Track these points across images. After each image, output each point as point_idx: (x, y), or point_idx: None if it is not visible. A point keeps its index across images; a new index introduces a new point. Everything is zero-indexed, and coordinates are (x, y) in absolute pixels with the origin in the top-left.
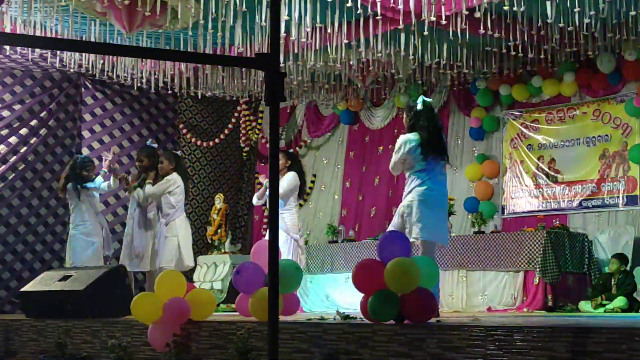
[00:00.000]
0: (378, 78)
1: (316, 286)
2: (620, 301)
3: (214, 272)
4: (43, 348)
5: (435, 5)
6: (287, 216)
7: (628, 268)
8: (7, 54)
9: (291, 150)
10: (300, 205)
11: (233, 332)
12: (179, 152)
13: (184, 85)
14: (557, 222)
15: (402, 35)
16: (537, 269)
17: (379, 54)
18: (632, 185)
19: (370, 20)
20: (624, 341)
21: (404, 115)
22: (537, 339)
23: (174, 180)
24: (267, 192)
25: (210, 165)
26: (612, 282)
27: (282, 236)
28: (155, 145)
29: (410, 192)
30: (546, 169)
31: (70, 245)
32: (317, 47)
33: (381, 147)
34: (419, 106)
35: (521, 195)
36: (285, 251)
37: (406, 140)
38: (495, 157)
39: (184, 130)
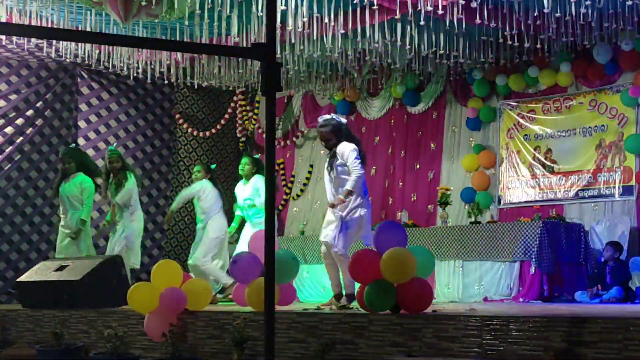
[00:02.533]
0: (374, 68)
1: (312, 276)
2: (616, 291)
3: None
4: (39, 338)
5: None
6: None
7: (624, 258)
8: (3, 43)
9: (257, 156)
10: (298, 195)
11: (229, 322)
12: (213, 166)
13: (180, 75)
14: (554, 213)
15: (399, 25)
16: (533, 259)
17: (376, 44)
18: (628, 176)
19: (367, 10)
20: (620, 331)
21: (328, 131)
22: (533, 328)
23: (203, 188)
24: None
25: (206, 155)
26: (606, 270)
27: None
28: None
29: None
30: (542, 159)
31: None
32: (314, 37)
33: (377, 138)
34: (344, 120)
35: (517, 186)
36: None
37: (354, 148)
38: (492, 148)
39: (180, 121)
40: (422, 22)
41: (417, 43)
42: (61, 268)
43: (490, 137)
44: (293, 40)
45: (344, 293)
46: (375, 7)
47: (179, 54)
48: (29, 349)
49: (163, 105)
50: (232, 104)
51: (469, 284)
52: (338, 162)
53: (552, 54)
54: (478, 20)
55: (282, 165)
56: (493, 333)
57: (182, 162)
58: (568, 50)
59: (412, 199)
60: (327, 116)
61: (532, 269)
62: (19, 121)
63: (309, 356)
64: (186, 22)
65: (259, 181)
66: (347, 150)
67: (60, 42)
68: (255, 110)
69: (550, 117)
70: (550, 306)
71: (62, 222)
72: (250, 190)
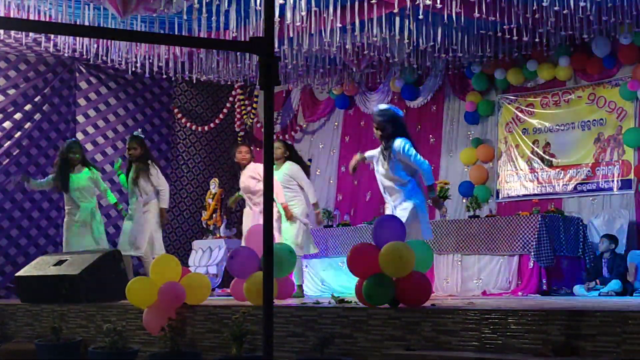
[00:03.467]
0: (373, 62)
1: (311, 270)
2: (614, 284)
3: (209, 257)
4: (38, 332)
5: None
6: (297, 202)
7: (622, 251)
8: (1, 38)
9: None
10: None
11: (228, 316)
12: (289, 142)
13: (179, 70)
14: (552, 206)
15: (397, 19)
16: (532, 253)
17: (374, 38)
18: (626, 169)
19: (365, 4)
20: (618, 324)
21: (381, 125)
22: (532, 322)
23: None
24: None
25: (205, 149)
26: (602, 263)
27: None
28: (142, 136)
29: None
30: (541, 153)
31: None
32: (312, 31)
33: None
34: (400, 112)
35: (516, 180)
36: (293, 235)
37: (409, 143)
38: (490, 142)
39: (179, 115)
40: (420, 16)
41: (416, 37)
42: (60, 263)
43: (489, 131)
44: (291, 34)
45: None
46: (373, 1)
47: (177, 49)
48: (27, 344)
49: (161, 99)
50: (231, 99)
51: (467, 278)
52: (394, 158)
53: (550, 47)
54: (476, 14)
55: None
56: (492, 327)
57: (180, 156)
58: (567, 44)
59: None
60: (384, 105)
61: (531, 263)
62: (17, 116)
63: (308, 350)
64: (184, 17)
65: (296, 169)
66: (405, 147)
67: (59, 36)
68: (254, 105)
69: (548, 111)
70: (548, 300)
71: (76, 217)
72: (281, 176)
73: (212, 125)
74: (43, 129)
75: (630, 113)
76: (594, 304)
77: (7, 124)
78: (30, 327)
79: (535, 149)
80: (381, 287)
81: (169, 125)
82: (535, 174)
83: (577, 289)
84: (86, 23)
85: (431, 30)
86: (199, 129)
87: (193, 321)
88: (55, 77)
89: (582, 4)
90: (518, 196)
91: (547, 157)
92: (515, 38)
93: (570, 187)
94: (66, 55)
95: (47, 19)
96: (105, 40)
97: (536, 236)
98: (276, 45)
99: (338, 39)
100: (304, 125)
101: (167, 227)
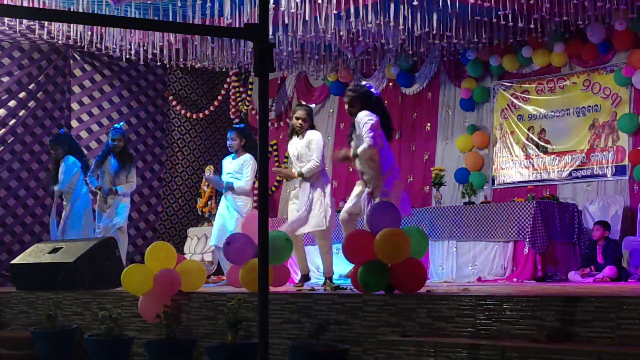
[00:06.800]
0: (368, 48)
1: (307, 257)
2: (609, 270)
3: (205, 244)
4: (34, 320)
5: None
6: None
7: (617, 237)
8: None
9: (242, 125)
10: None
11: (223, 303)
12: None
13: (173, 57)
14: (547, 193)
15: (392, 5)
16: (527, 239)
17: (369, 24)
18: (621, 156)
19: None
20: (613, 310)
21: (349, 100)
22: (527, 308)
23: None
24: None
25: (200, 137)
26: (597, 250)
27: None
28: (126, 127)
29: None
30: (536, 140)
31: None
32: (307, 18)
33: None
34: (374, 90)
35: (511, 166)
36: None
37: (371, 116)
38: (486, 128)
39: (174, 102)
40: (415, 2)
41: (411, 23)
42: (55, 250)
43: (484, 117)
44: (286, 21)
45: None
46: None
47: (171, 36)
48: (23, 331)
49: (156, 87)
50: (226, 86)
51: (462, 264)
52: (356, 133)
53: (545, 34)
54: (471, 0)
55: (275, 147)
56: (487, 313)
57: (175, 144)
58: (562, 30)
59: (409, 180)
60: (361, 85)
61: (526, 249)
62: (12, 103)
63: (304, 337)
64: (179, 3)
65: (248, 161)
66: (362, 119)
67: (52, 23)
68: (249, 92)
69: (543, 98)
70: (543, 286)
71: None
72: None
73: (206, 112)
74: (37, 117)
75: (624, 99)
76: (588, 289)
77: (1, 112)
78: (26, 315)
79: (531, 135)
80: (376, 274)
81: (164, 112)
82: (531, 160)
83: (572, 275)
84: (80, 10)
85: (426, 16)
86: (194, 116)
87: (188, 308)
88: (49, 65)
89: None
90: (513, 183)
91: (542, 144)
92: (510, 24)
93: (565, 174)
94: (60, 42)
95: (41, 6)
96: (99, 28)
97: (531, 222)
98: (271, 31)
99: (333, 25)
100: None
101: (162, 214)
